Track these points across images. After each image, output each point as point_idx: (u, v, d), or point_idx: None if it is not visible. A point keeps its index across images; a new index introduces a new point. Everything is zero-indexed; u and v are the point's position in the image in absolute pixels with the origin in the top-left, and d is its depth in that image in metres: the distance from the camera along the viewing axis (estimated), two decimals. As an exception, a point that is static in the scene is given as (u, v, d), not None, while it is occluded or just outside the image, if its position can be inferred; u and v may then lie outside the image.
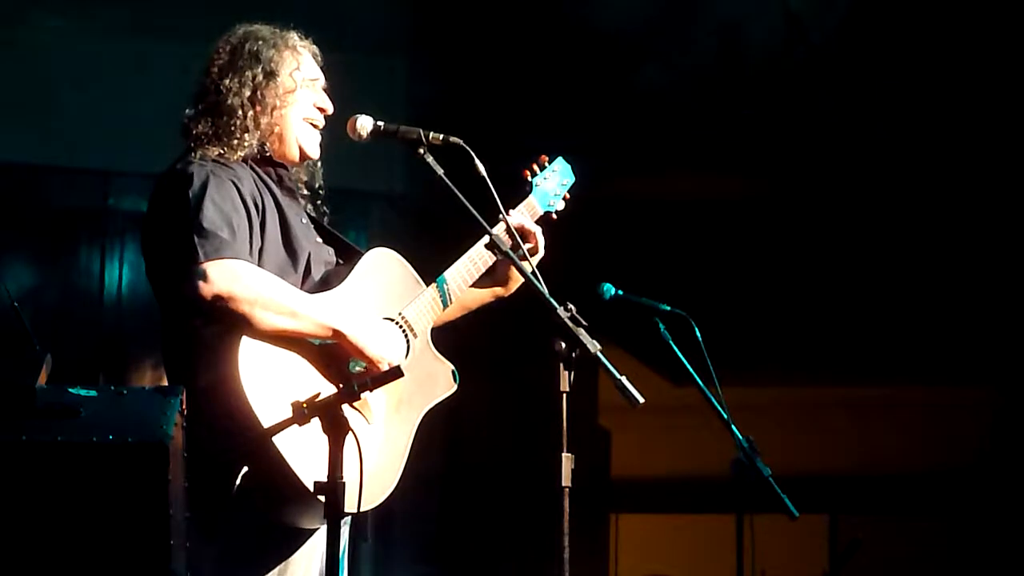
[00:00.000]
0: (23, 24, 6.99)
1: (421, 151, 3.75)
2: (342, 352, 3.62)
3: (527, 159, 4.21)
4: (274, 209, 3.74)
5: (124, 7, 7.01)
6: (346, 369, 3.63)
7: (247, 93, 3.79)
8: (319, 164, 3.97)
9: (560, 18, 7.32)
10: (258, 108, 3.79)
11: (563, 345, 3.52)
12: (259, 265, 3.61)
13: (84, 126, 6.96)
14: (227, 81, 3.79)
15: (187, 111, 3.81)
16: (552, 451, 3.51)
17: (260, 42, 3.85)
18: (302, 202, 3.89)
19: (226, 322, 3.50)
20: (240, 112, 3.77)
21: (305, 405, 3.07)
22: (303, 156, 3.89)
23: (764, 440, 4.55)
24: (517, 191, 4.13)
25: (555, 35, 7.35)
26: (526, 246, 3.90)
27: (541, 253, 4.07)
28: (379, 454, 3.64)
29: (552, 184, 4.21)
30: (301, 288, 3.69)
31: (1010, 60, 7.33)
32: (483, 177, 3.67)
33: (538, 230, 4.09)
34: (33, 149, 7.02)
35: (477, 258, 3.96)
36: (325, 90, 3.92)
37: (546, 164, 4.22)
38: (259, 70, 3.81)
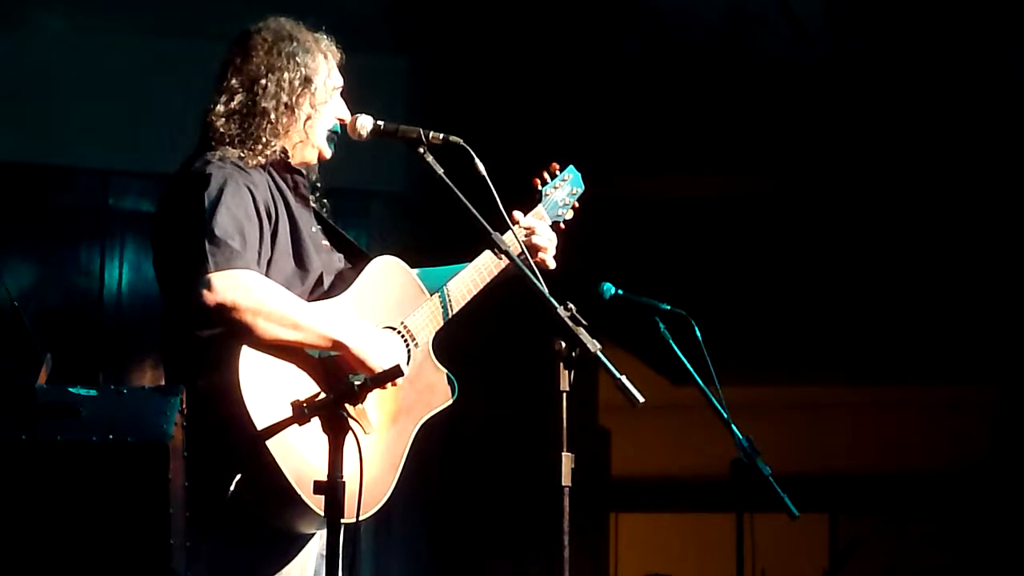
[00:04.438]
0: (24, 25, 6.98)
1: (421, 150, 3.73)
2: (343, 364, 3.60)
3: (528, 160, 4.20)
4: (286, 219, 3.71)
5: (125, 8, 7.01)
6: (347, 380, 3.61)
7: (284, 98, 3.71)
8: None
9: (559, 17, 7.32)
10: (289, 114, 3.73)
11: (563, 344, 3.52)
12: (267, 275, 3.59)
13: (84, 126, 6.96)
14: (263, 81, 3.71)
15: (215, 107, 3.72)
16: (552, 451, 3.50)
17: (296, 43, 3.76)
18: (313, 207, 3.86)
19: (229, 330, 3.49)
20: (272, 116, 3.71)
21: (305, 404, 3.07)
22: (321, 158, 3.87)
23: (764, 440, 4.55)
24: (525, 200, 4.12)
25: (555, 34, 7.35)
26: (535, 258, 3.90)
27: (553, 264, 4.05)
28: (374, 465, 3.62)
29: (562, 194, 4.17)
30: (309, 299, 3.67)
31: (1010, 60, 7.33)
32: (483, 176, 3.66)
33: (552, 239, 4.07)
34: (33, 149, 7.01)
35: (483, 267, 3.94)
36: (342, 94, 3.88)
37: (557, 173, 4.18)
38: (297, 75, 3.73)
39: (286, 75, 3.74)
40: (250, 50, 3.76)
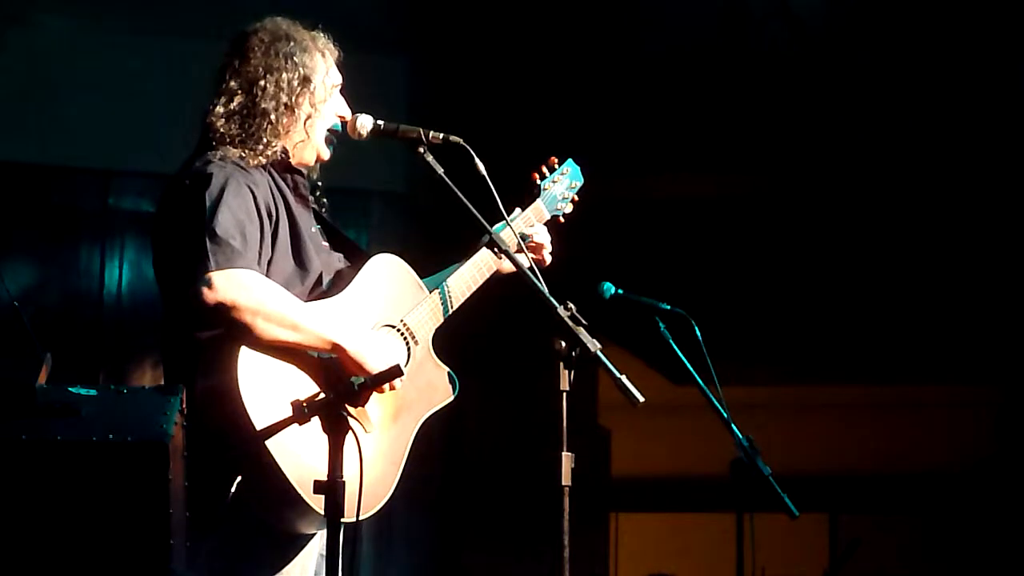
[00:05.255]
0: (24, 24, 6.99)
1: (421, 150, 3.73)
2: (343, 367, 3.60)
3: (528, 160, 4.20)
4: (286, 219, 3.71)
5: (125, 7, 7.01)
6: (347, 381, 3.61)
7: (283, 99, 3.71)
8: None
9: (559, 18, 7.32)
10: (289, 114, 3.73)
11: (563, 344, 3.52)
12: (267, 275, 3.59)
13: (84, 126, 6.96)
14: (261, 83, 3.71)
15: (215, 108, 3.72)
16: (552, 450, 3.50)
17: (293, 43, 3.76)
18: (313, 207, 3.86)
19: (228, 330, 3.49)
20: (272, 116, 3.70)
21: (305, 404, 3.07)
22: (319, 159, 3.87)
23: (764, 440, 4.55)
24: (524, 194, 4.12)
25: (555, 35, 7.35)
26: (533, 255, 3.91)
27: (548, 260, 4.05)
28: (376, 463, 3.62)
29: (561, 187, 4.18)
30: (308, 299, 3.67)
31: (1011, 61, 7.33)
32: (483, 176, 3.66)
33: (547, 237, 4.07)
34: (33, 149, 7.02)
35: (482, 264, 3.94)
36: (341, 91, 3.88)
37: (555, 166, 4.18)
38: (295, 75, 3.73)
39: (284, 76, 3.74)
40: (247, 52, 3.76)
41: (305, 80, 3.76)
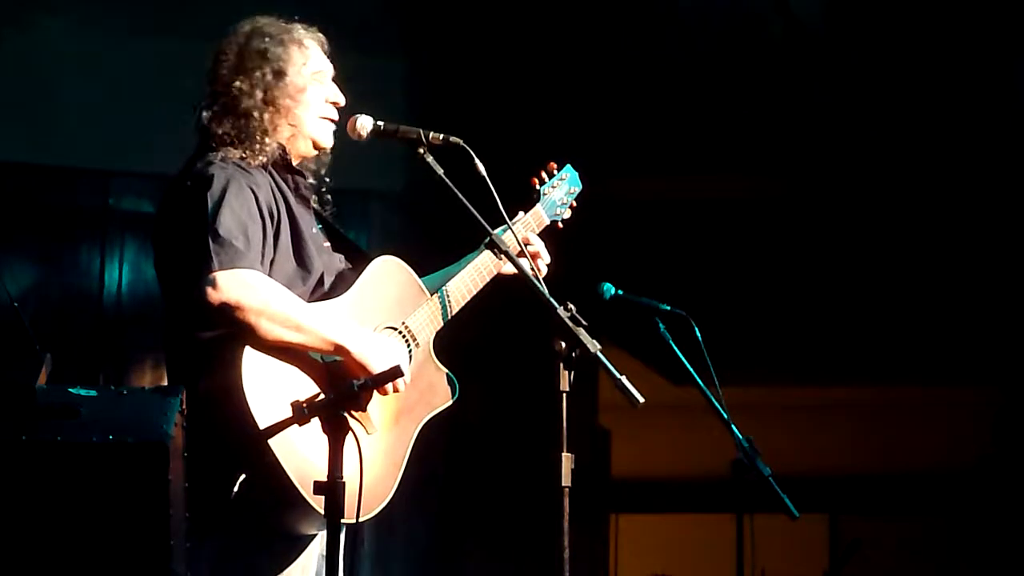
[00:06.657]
0: (23, 24, 6.98)
1: (421, 151, 3.73)
2: (346, 369, 3.60)
3: (528, 160, 4.20)
4: (287, 220, 3.71)
5: (124, 7, 7.01)
6: (348, 382, 3.60)
7: (259, 95, 3.72)
8: (328, 154, 3.90)
9: (558, 18, 7.32)
10: (272, 110, 3.73)
11: (563, 345, 3.52)
12: (269, 275, 3.59)
13: (84, 126, 6.95)
14: (238, 83, 3.72)
15: (203, 112, 3.74)
16: (552, 451, 3.50)
17: (266, 39, 3.77)
18: (314, 207, 3.86)
19: (232, 330, 3.49)
20: (256, 114, 3.71)
21: (305, 404, 3.07)
22: (317, 147, 3.86)
23: (764, 440, 4.55)
24: (523, 199, 4.12)
25: (554, 35, 7.35)
26: (535, 262, 3.92)
27: (545, 271, 4.05)
28: (376, 465, 3.62)
29: (560, 193, 4.18)
30: (309, 299, 3.68)
31: (1010, 63, 7.34)
32: (483, 177, 3.66)
33: (541, 244, 4.08)
34: (33, 149, 7.01)
35: (483, 267, 3.94)
36: (334, 79, 3.87)
37: (554, 172, 4.18)
38: (268, 70, 3.74)
39: (257, 73, 3.74)
40: (221, 55, 3.78)
41: (278, 73, 3.76)
